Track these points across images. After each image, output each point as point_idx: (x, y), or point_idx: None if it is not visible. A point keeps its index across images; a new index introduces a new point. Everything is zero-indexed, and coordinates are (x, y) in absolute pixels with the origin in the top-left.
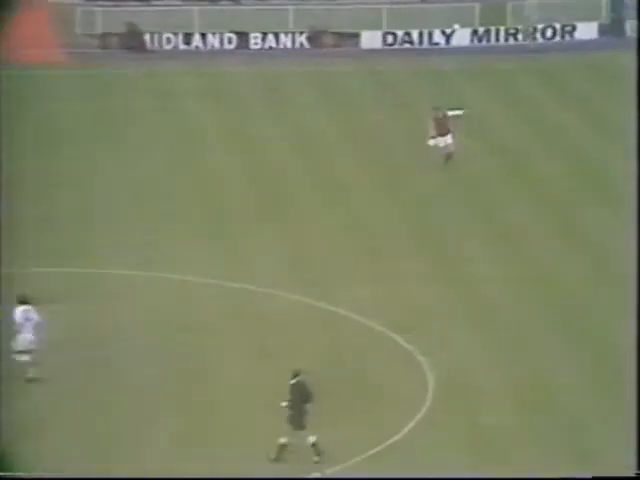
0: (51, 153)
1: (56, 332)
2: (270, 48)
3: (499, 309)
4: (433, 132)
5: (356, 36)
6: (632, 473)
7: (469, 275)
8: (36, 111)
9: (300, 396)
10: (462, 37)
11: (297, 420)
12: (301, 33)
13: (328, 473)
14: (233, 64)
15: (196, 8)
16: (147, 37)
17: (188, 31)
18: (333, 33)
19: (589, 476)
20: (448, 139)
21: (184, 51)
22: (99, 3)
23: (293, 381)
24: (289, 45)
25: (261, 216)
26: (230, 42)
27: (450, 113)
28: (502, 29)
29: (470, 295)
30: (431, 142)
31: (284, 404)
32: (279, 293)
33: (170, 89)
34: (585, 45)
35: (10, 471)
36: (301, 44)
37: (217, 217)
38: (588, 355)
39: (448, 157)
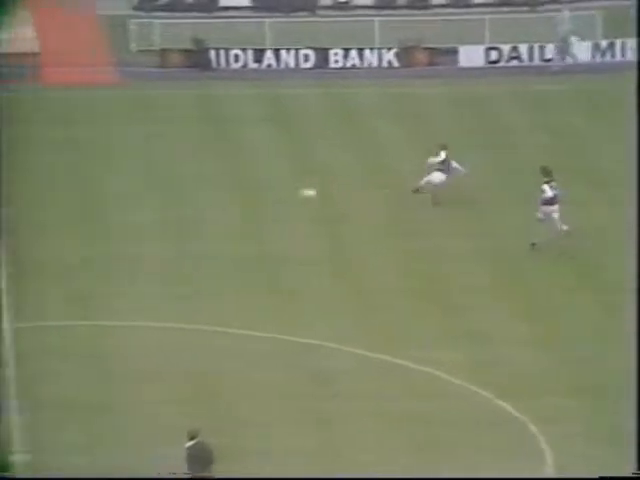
0: (88, 185)
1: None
2: (353, 66)
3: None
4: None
5: (453, 52)
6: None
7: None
8: (78, 137)
9: (200, 461)
10: (581, 52)
11: None
12: (389, 49)
13: None
14: (310, 85)
15: (268, 20)
16: (212, 53)
17: (259, 47)
18: (426, 49)
19: (589, 476)
20: (438, 176)
21: (254, 70)
22: (157, 15)
23: (190, 444)
24: (375, 63)
25: (328, 267)
26: (307, 60)
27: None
28: (629, 42)
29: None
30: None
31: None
32: (355, 351)
33: (236, 113)
34: None
35: (10, 471)
36: (389, 62)
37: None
38: None
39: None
